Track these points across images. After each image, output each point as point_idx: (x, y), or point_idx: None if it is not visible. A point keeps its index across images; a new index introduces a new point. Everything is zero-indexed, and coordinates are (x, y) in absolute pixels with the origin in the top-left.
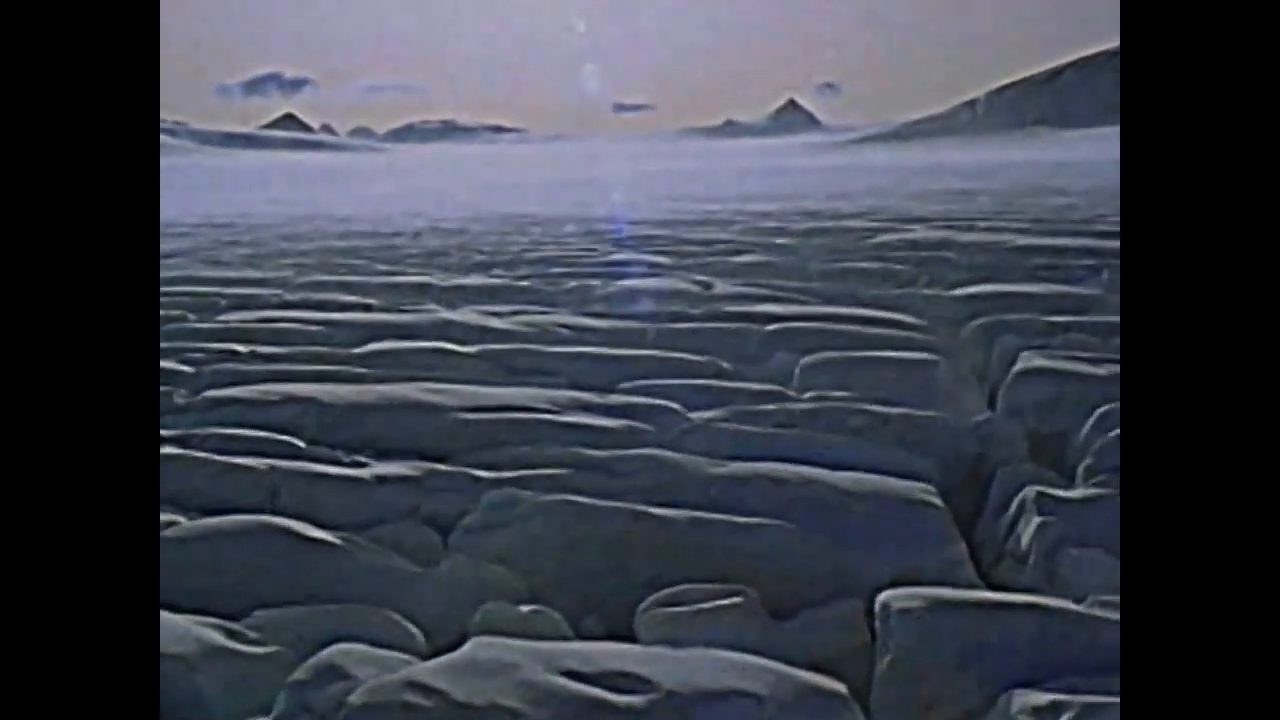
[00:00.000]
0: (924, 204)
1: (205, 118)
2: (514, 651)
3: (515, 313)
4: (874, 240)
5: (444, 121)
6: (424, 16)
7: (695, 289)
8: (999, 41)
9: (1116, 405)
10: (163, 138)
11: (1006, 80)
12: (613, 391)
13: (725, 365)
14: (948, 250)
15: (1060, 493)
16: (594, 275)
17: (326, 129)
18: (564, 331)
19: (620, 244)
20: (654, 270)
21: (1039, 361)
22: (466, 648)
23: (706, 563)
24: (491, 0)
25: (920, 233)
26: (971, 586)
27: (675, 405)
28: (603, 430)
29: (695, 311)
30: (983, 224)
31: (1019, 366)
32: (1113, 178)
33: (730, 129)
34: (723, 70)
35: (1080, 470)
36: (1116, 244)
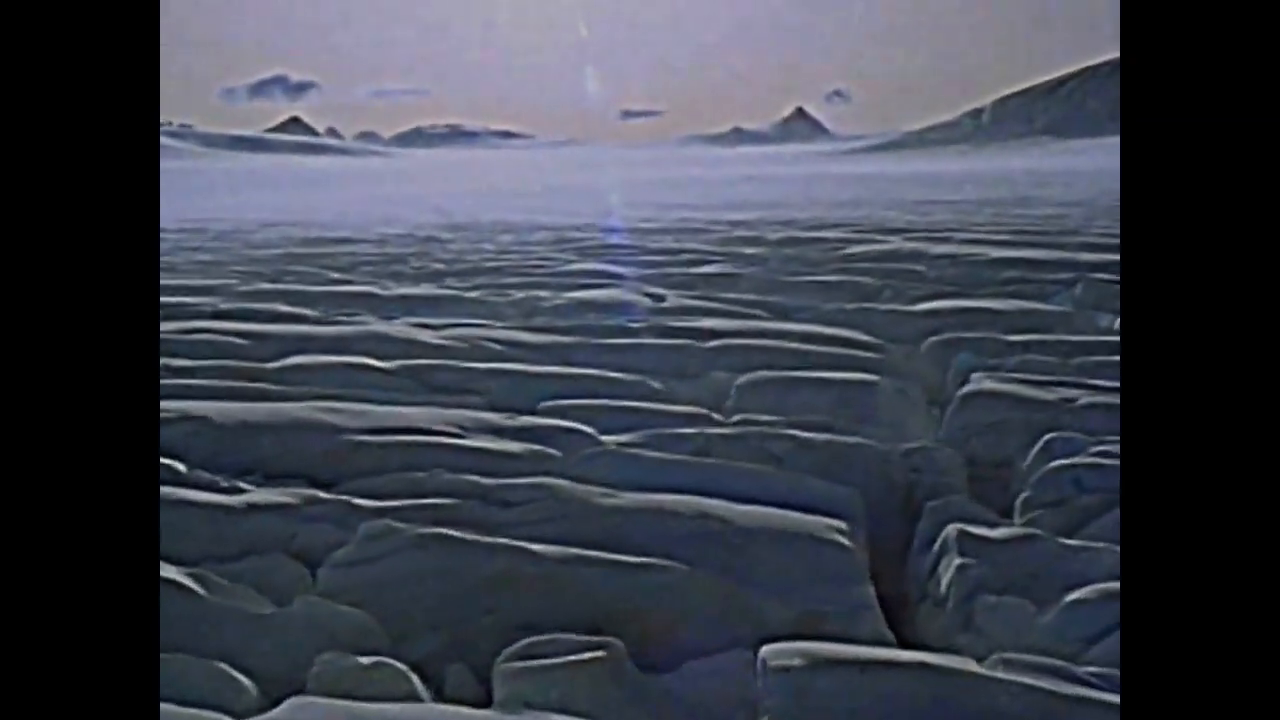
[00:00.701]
0: (907, 214)
1: (212, 120)
2: (336, 714)
3: (449, 325)
4: (845, 251)
5: (450, 126)
6: (432, 21)
7: (646, 301)
8: (1013, 48)
9: (1062, 434)
10: (167, 140)
11: (1018, 88)
12: (526, 413)
13: (656, 385)
14: (919, 262)
15: (983, 532)
16: (547, 286)
17: (332, 132)
18: (495, 346)
19: (584, 253)
20: (608, 282)
21: (988, 384)
22: (281, 710)
23: (588, 606)
24: (501, 6)
25: (895, 244)
26: (876, 634)
27: (589, 429)
28: (505, 456)
29: (637, 325)
30: (962, 235)
31: (966, 389)
32: (1113, 187)
33: (736, 136)
34: (733, 77)
35: (1019, 503)
36: (1099, 256)
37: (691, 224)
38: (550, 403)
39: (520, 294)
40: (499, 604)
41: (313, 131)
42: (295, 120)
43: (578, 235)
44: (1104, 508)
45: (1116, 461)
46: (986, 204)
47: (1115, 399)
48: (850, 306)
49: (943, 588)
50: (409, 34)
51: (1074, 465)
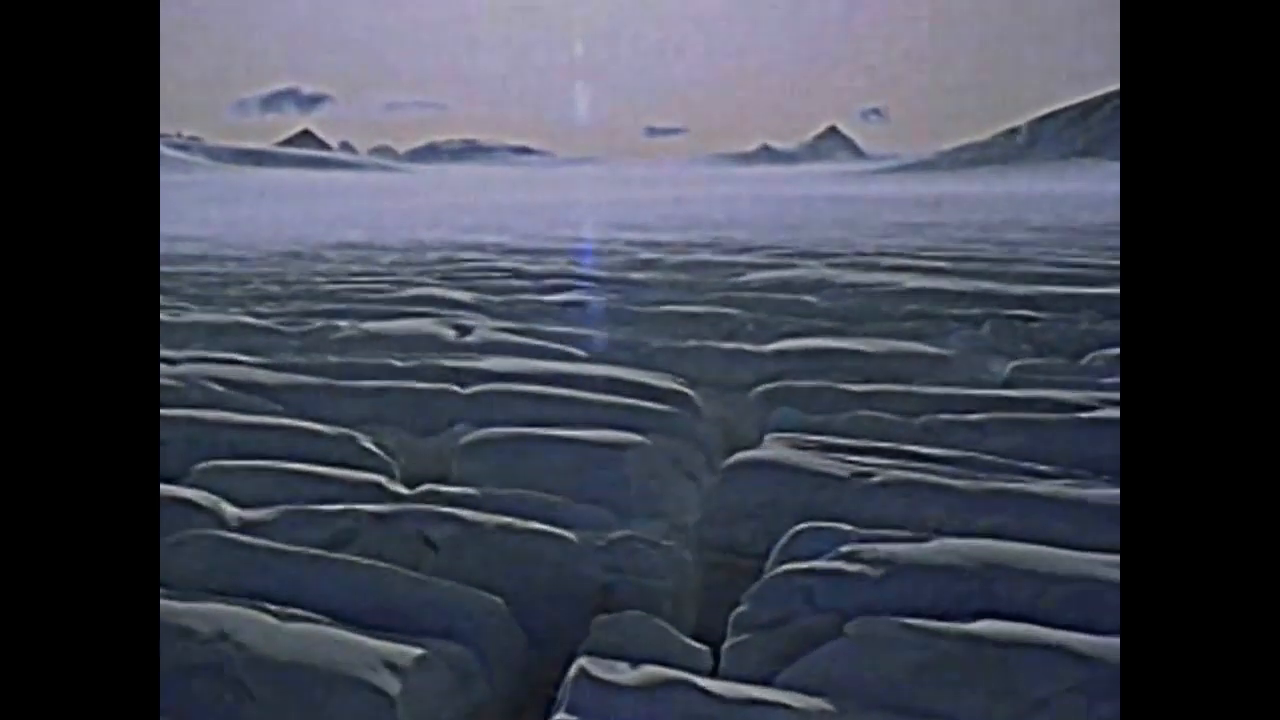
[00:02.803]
0: (874, 238)
1: (222, 134)
2: None
3: (193, 359)
4: (742, 278)
5: (466, 141)
6: (449, 35)
7: (449, 334)
8: (1056, 67)
9: (822, 525)
10: (174, 153)
11: (1060, 106)
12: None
13: (366, 444)
14: (817, 292)
15: (610, 675)
16: (361, 314)
17: (346, 147)
18: (216, 388)
19: (447, 278)
20: (425, 311)
21: (773, 451)
22: None
23: None
24: (521, 19)
25: (801, 271)
26: None
27: (222, 502)
28: None
29: (401, 365)
30: (889, 263)
31: (736, 458)
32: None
33: (765, 155)
34: (764, 94)
35: (731, 619)
36: (1040, 289)
37: (605, 245)
38: (204, 464)
39: (320, 322)
40: None
41: (324, 145)
42: (307, 133)
43: (459, 256)
44: (826, 633)
45: (866, 568)
46: (969, 227)
47: (927, 474)
48: (687, 344)
49: None
50: (426, 47)
51: (809, 571)
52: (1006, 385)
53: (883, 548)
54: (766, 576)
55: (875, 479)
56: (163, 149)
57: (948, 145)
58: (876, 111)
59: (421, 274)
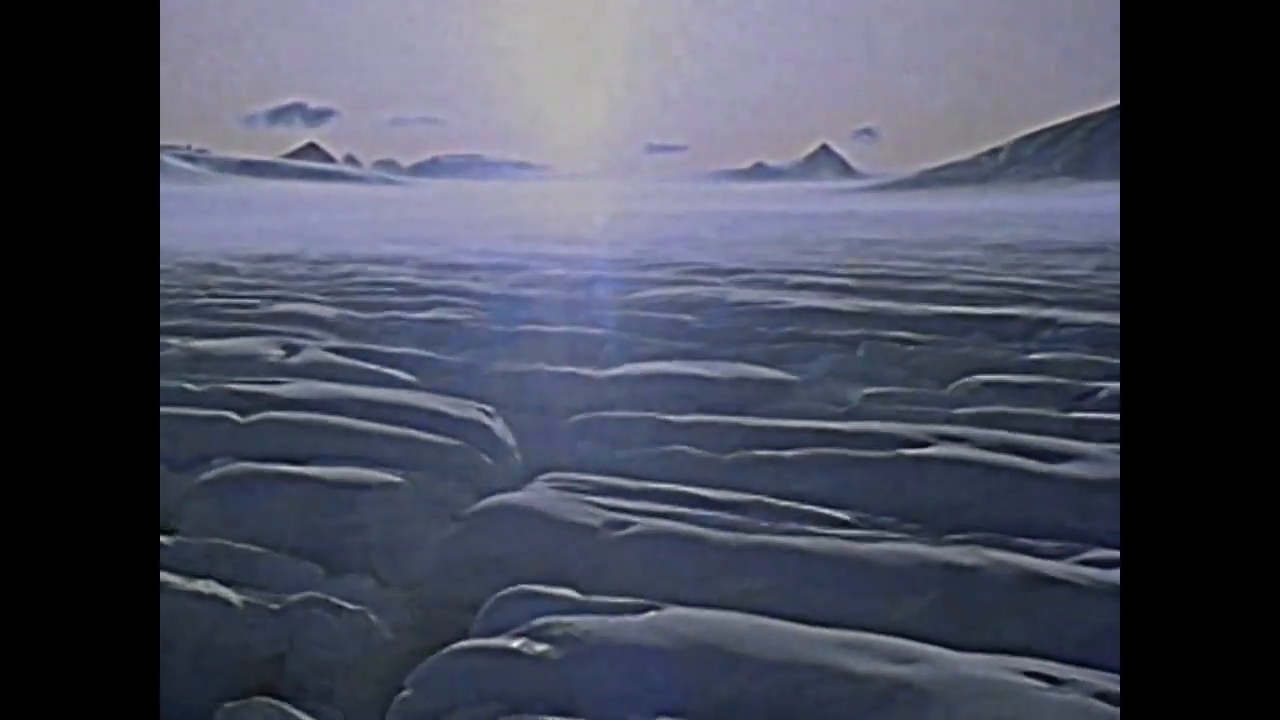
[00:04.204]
0: (785, 254)
1: (231, 146)
2: None
3: None
4: (632, 296)
5: (469, 156)
6: (455, 52)
7: (276, 354)
8: (1047, 86)
9: (531, 588)
10: (181, 164)
11: (1039, 127)
12: None
13: None
14: (699, 312)
15: None
16: (203, 332)
17: (350, 160)
18: None
19: (333, 292)
20: (273, 330)
21: (527, 496)
22: None
23: None
24: (526, 36)
25: (698, 289)
26: None
27: None
28: None
29: (195, 389)
30: (796, 281)
31: (488, 501)
32: (1081, 232)
33: (759, 172)
34: (761, 113)
35: (393, 707)
36: (929, 309)
37: (523, 259)
38: None
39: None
40: None
41: (329, 158)
42: (312, 146)
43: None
44: None
45: (550, 648)
46: (912, 245)
47: (697, 524)
48: (521, 368)
49: None
50: (432, 63)
51: (482, 650)
52: (850, 415)
53: (582, 621)
54: (436, 656)
55: (630, 530)
56: (171, 160)
57: (931, 164)
58: (869, 131)
59: (308, 288)
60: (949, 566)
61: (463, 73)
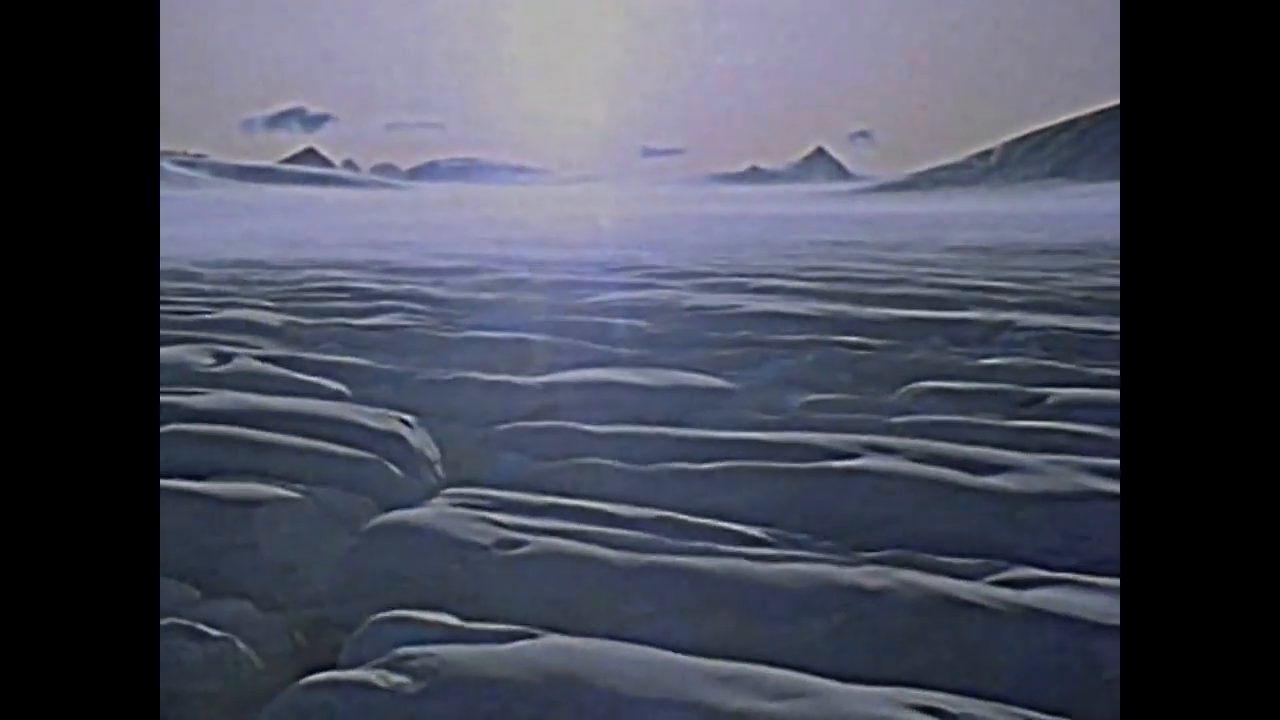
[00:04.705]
0: (757, 257)
1: (230, 151)
2: None
3: None
4: (588, 300)
5: (467, 159)
6: (453, 57)
7: (207, 362)
8: (1044, 88)
9: (403, 613)
10: (179, 169)
11: (1028, 130)
12: None
13: None
14: (653, 316)
15: None
16: None
17: (349, 164)
18: None
19: (273, 298)
20: (208, 337)
21: (421, 513)
22: None
23: None
24: (524, 41)
25: (658, 293)
26: None
27: None
28: None
29: None
30: (759, 284)
31: (381, 519)
32: (1060, 234)
33: (753, 175)
34: (757, 117)
35: None
36: (888, 313)
37: (495, 264)
38: None
39: None
40: None
41: (327, 163)
42: (310, 151)
43: (318, 276)
44: None
45: (407, 680)
46: (884, 247)
47: (595, 542)
48: (451, 376)
49: None
50: (430, 69)
51: (334, 684)
52: (783, 425)
53: (444, 651)
54: (289, 689)
55: (521, 550)
56: (169, 166)
57: (922, 167)
58: (864, 134)
59: (265, 294)
60: (854, 590)
61: (461, 78)
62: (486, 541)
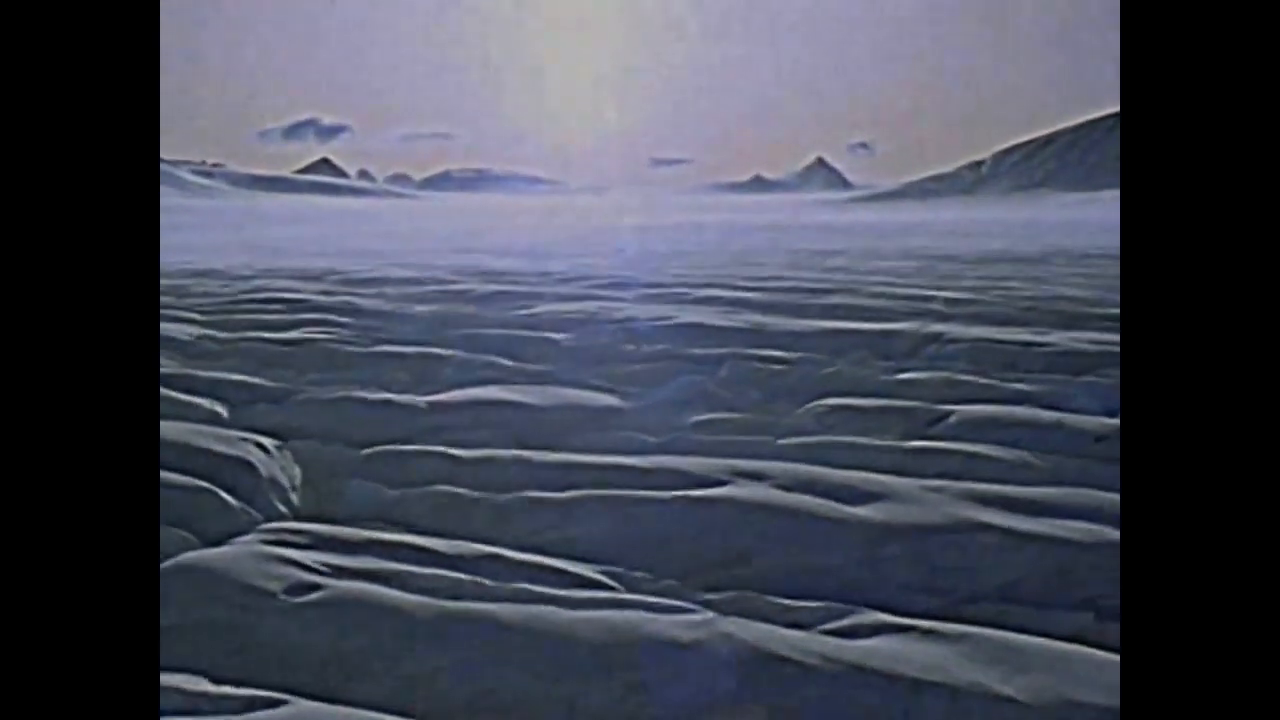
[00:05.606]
0: (718, 268)
1: (248, 161)
2: None
3: None
4: (520, 312)
5: (479, 170)
6: (466, 70)
7: None
8: (1045, 99)
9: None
10: (196, 179)
11: (1018, 140)
12: None
13: None
14: (576, 329)
15: None
16: None
17: (364, 175)
18: None
19: (203, 310)
20: None
21: (223, 551)
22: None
23: None
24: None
25: (590, 304)
26: None
27: None
28: None
29: None
30: (698, 295)
31: (180, 559)
32: (1032, 241)
33: (756, 185)
34: (763, 127)
35: None
36: (813, 324)
37: (452, 274)
38: None
39: None
40: None
41: (342, 173)
42: (325, 161)
43: (266, 287)
44: None
45: None
46: (861, 257)
47: (403, 588)
48: (334, 395)
49: None
50: (443, 80)
51: None
52: (661, 448)
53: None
54: None
55: (311, 596)
56: (187, 175)
57: (914, 177)
58: (864, 145)
59: (198, 305)
60: (661, 643)
61: (474, 90)
62: (276, 588)
